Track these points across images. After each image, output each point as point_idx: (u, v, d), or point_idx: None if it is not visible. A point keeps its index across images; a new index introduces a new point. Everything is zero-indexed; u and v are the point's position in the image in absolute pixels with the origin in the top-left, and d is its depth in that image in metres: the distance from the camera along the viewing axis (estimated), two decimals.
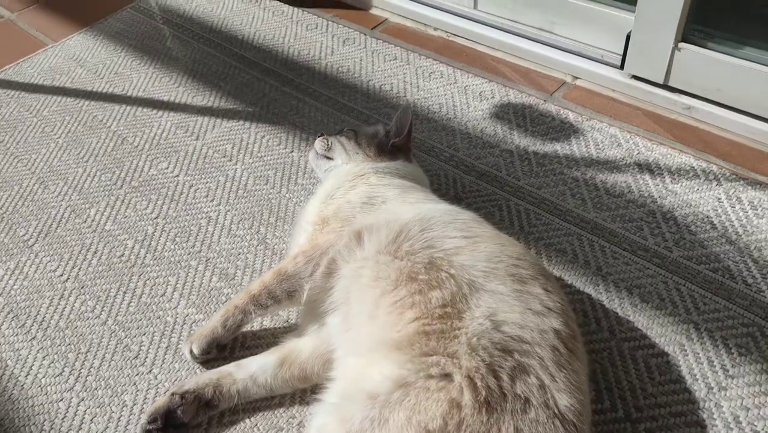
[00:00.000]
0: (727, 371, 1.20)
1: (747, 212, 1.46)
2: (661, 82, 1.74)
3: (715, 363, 1.21)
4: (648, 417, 1.15)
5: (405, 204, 1.29)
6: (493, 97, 1.91)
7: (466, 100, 1.91)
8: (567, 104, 1.85)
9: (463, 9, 2.16)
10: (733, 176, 1.55)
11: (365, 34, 2.26)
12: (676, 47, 1.66)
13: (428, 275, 1.08)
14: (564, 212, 1.53)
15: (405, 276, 1.09)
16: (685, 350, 1.23)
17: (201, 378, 1.22)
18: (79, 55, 2.33)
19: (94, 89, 2.15)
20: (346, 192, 1.36)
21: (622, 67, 1.81)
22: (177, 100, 2.05)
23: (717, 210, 1.48)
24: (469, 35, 2.15)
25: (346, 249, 1.20)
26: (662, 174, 1.58)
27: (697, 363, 1.21)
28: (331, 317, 1.21)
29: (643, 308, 1.31)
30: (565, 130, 1.75)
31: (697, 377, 1.19)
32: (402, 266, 1.11)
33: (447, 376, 0.96)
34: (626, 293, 1.34)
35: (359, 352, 1.08)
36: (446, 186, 1.65)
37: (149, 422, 1.18)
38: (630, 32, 1.73)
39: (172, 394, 1.20)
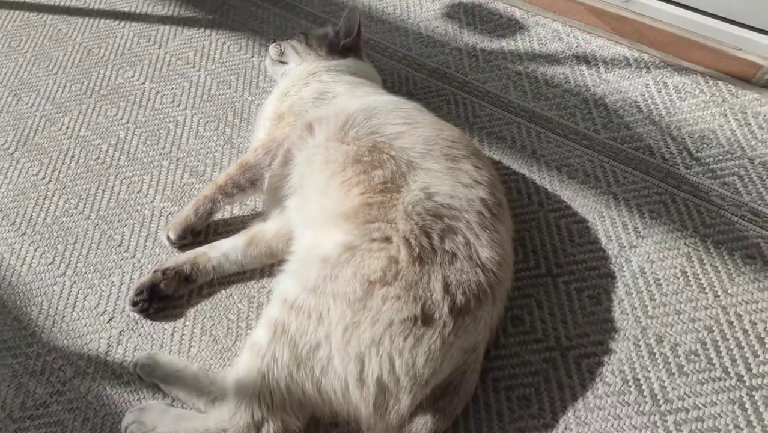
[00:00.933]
0: (639, 232, 1.38)
1: (671, 96, 1.60)
2: None
3: (628, 226, 1.39)
4: (567, 272, 1.33)
5: (354, 98, 1.41)
6: None
7: (419, 1, 1.99)
8: (514, 2, 1.93)
9: None
10: (663, 64, 1.67)
11: None
12: None
13: (371, 157, 1.22)
14: (506, 103, 1.66)
15: (351, 159, 1.23)
16: (603, 217, 1.41)
17: (180, 257, 1.38)
18: None
19: (56, 3, 2.18)
20: (299, 90, 1.47)
21: None
22: (138, 11, 2.10)
23: (644, 95, 1.61)
24: None
25: (300, 139, 1.33)
26: (597, 65, 1.70)
27: (613, 227, 1.39)
28: (290, 201, 1.35)
29: (569, 184, 1.47)
30: (512, 27, 1.85)
31: (612, 238, 1.37)
32: (348, 150, 1.24)
33: (387, 239, 1.13)
34: (556, 171, 1.50)
35: (314, 226, 1.24)
36: (399, 84, 1.76)
37: (136, 294, 1.34)
38: None
39: (155, 271, 1.36)
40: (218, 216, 1.49)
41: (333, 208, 1.21)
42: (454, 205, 1.16)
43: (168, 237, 1.44)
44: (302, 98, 1.44)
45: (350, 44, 1.59)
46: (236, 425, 1.11)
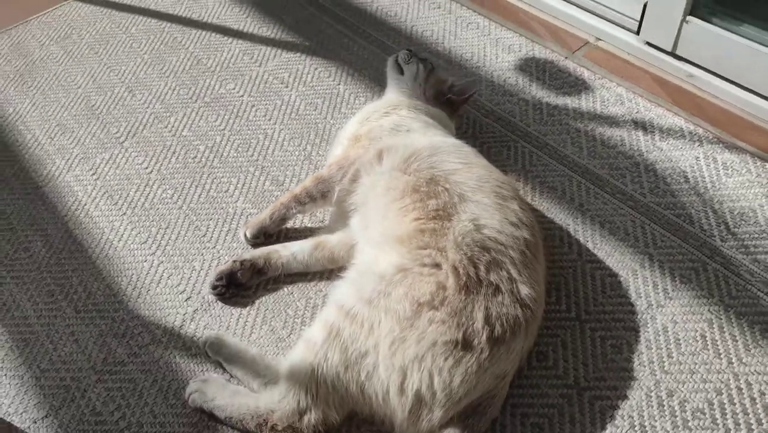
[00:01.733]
0: (668, 293, 1.49)
1: (719, 171, 1.71)
2: (669, 50, 1.94)
3: (659, 286, 1.50)
4: (594, 319, 1.46)
5: (424, 136, 1.59)
6: (520, 50, 2.15)
7: (495, 52, 2.16)
8: (585, 63, 2.07)
9: None
10: (716, 140, 1.78)
11: None
12: (684, 19, 1.86)
13: (428, 188, 1.39)
14: (562, 157, 1.80)
15: (410, 188, 1.40)
16: (636, 274, 1.52)
17: (256, 252, 1.59)
18: None
19: (175, 13, 2.47)
20: (379, 117, 1.66)
21: (638, 32, 2.02)
22: (245, 30, 2.36)
23: (693, 167, 1.72)
24: None
25: (369, 164, 1.51)
26: (653, 132, 1.82)
27: (644, 285, 1.51)
28: (354, 218, 1.54)
29: (609, 239, 1.60)
30: (578, 86, 1.99)
31: (641, 295, 1.49)
32: (408, 180, 1.42)
33: (436, 265, 1.29)
34: (598, 226, 1.63)
35: (373, 243, 1.42)
36: (466, 126, 1.93)
37: (217, 280, 1.56)
38: (647, 2, 1.93)
39: (234, 261, 1.56)
40: (291, 224, 1.69)
41: (390, 231, 1.38)
42: (501, 240, 1.31)
43: (245, 234, 1.65)
44: (381, 126, 1.63)
45: (455, 102, 1.77)
46: (283, 409, 1.28)
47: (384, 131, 1.61)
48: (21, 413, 1.41)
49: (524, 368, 1.39)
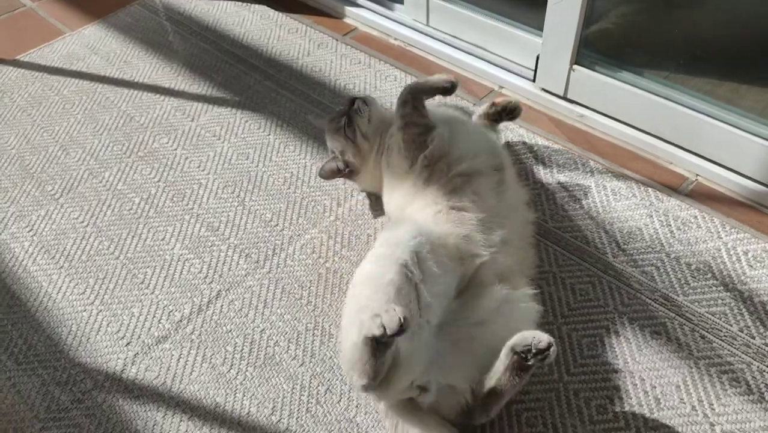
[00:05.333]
0: (570, 306, 1.67)
1: (608, 197, 1.94)
2: (561, 94, 2.20)
3: (562, 300, 1.68)
4: None
5: None
6: (434, 99, 2.36)
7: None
8: None
9: (418, 24, 2.61)
10: (605, 170, 2.02)
11: (337, 40, 2.70)
12: (571, 68, 2.12)
13: None
14: None
15: None
16: (543, 292, 1.70)
17: None
18: (93, 43, 2.75)
19: (107, 74, 2.58)
20: None
21: (534, 80, 2.28)
22: (176, 87, 2.49)
23: (586, 194, 1.95)
24: (421, 46, 2.60)
25: None
26: (552, 166, 2.05)
27: (550, 300, 1.68)
28: None
29: None
30: None
31: (549, 309, 1.66)
32: None
33: None
34: None
35: None
36: None
37: None
38: (539, 54, 2.20)
39: None
40: None
41: None
42: None
43: None
44: None
45: None
46: None
47: None
48: None
49: None
